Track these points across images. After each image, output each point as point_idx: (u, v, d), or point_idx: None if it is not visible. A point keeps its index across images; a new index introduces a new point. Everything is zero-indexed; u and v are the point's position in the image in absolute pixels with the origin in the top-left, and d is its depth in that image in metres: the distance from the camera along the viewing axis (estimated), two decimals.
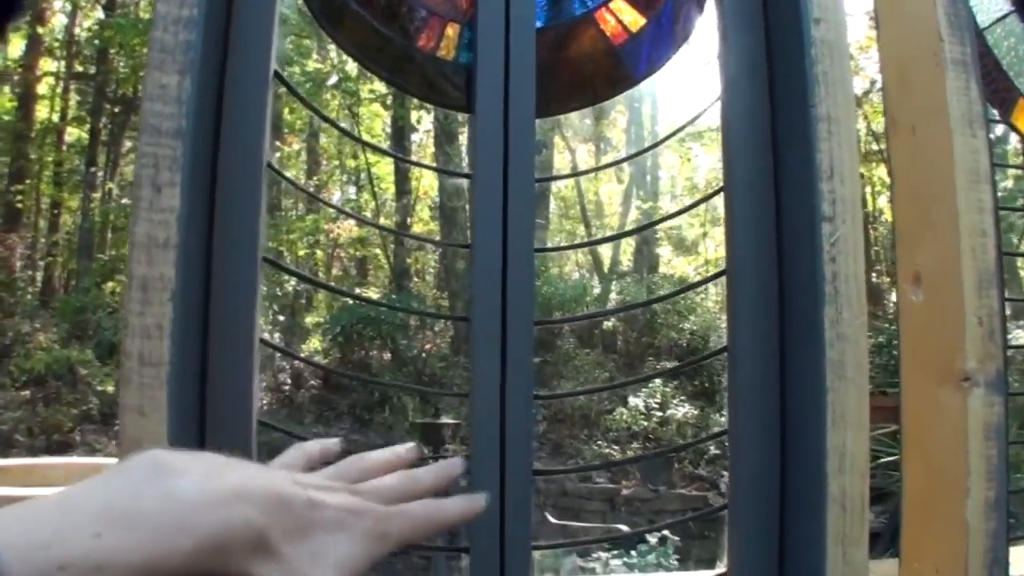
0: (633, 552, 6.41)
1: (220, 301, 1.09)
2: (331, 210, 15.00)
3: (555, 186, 18.72)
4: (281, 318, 14.11)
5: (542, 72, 1.27)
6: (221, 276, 1.10)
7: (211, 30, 1.12)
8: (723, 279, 1.25)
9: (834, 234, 1.13)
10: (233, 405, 1.09)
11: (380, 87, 14.84)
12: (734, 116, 1.27)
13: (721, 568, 1.24)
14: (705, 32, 1.36)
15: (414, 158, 17.16)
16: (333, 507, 0.74)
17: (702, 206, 17.91)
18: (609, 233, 19.31)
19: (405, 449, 0.88)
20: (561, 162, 19.31)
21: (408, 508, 0.79)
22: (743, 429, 1.19)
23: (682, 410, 11.94)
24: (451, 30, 1.27)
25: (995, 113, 1.80)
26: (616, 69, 1.33)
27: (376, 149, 16.73)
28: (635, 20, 1.33)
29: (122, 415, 0.98)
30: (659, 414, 11.89)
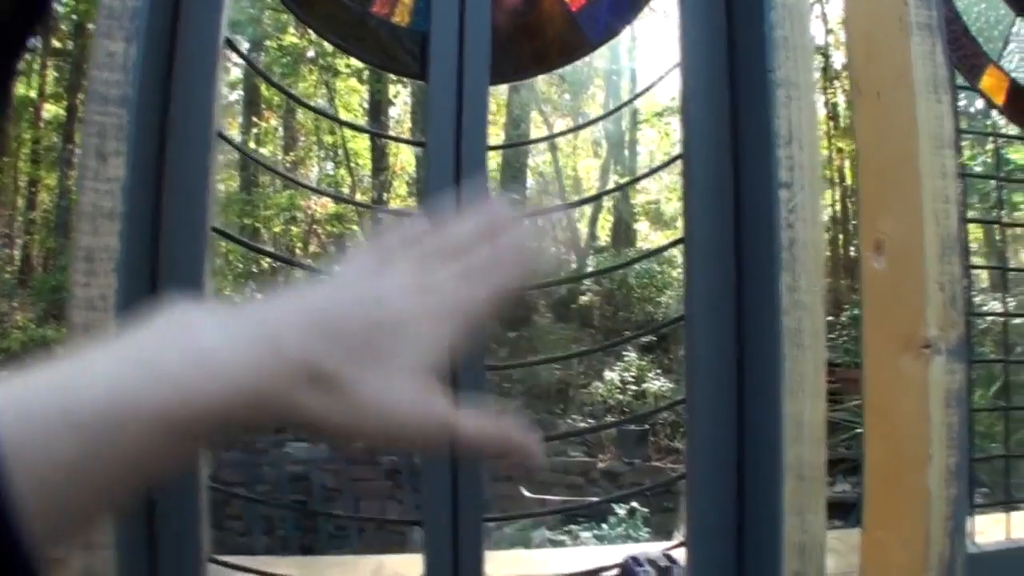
0: (604, 524, 6.44)
1: (168, 273, 1.07)
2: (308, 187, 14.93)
3: (532, 161, 18.66)
4: (259, 296, 14.04)
5: (497, 38, 1.25)
6: (169, 247, 1.08)
7: None
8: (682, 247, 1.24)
9: (792, 200, 1.12)
10: None
11: (357, 62, 14.77)
12: (694, 81, 1.25)
13: (680, 538, 1.23)
14: None
15: (392, 134, 17.09)
16: (407, 313, 0.66)
17: (680, 182, 17.91)
18: (587, 209, 19.28)
19: (484, 219, 0.76)
20: (538, 136, 19.22)
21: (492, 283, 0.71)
22: (700, 398, 1.18)
23: (657, 383, 11.97)
24: None
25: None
26: (573, 35, 1.31)
27: (336, 120, 16.61)
28: None
29: None
30: (634, 387, 11.92)
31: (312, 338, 0.62)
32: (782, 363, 1.09)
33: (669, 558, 0.90)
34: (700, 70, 1.25)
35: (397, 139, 12.99)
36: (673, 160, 1.28)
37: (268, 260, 13.97)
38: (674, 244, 1.28)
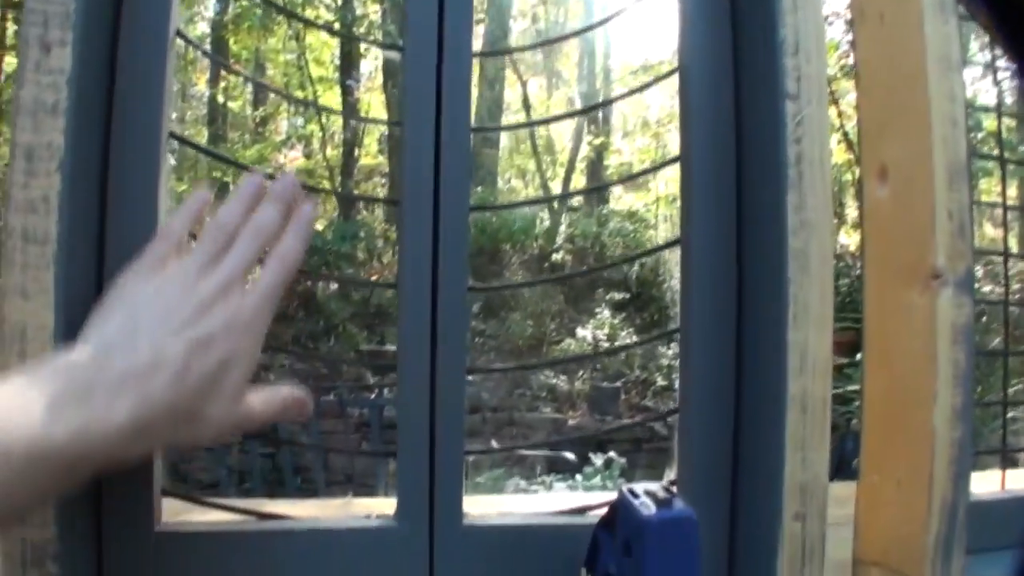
0: (578, 475, 6.38)
1: (118, 176, 0.98)
2: (277, 140, 14.82)
3: (505, 122, 18.61)
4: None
5: None
6: (120, 148, 0.98)
7: None
8: (677, 167, 1.16)
9: (799, 114, 1.04)
10: None
11: (328, 14, 14.63)
12: None
13: (670, 475, 1.16)
14: None
15: (363, 89, 16.96)
16: (216, 341, 0.79)
17: (653, 145, 17.89)
18: (559, 169, 19.26)
19: (245, 188, 0.92)
20: (512, 97, 19.17)
21: (263, 284, 0.86)
22: (696, 325, 1.10)
23: (630, 342, 11.97)
24: None
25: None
26: None
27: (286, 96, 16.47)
28: None
29: (3, 298, 0.87)
30: (607, 344, 11.93)
31: (175, 396, 0.75)
32: (787, 288, 1.01)
33: (668, 490, 0.82)
34: None
35: (374, 121, 12.95)
36: (670, 74, 1.19)
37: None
38: (669, 163, 1.19)
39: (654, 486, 0.84)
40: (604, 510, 0.93)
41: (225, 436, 0.82)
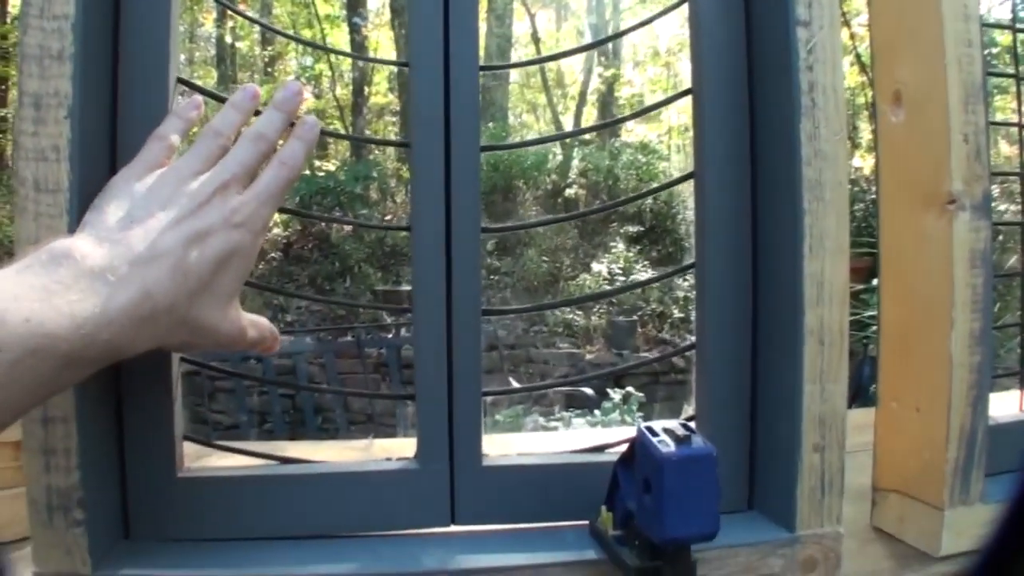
0: (597, 411, 6.37)
1: (128, 122, 0.97)
2: (287, 79, 14.79)
3: (514, 57, 18.46)
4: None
5: None
6: (128, 94, 0.97)
7: None
8: (689, 101, 1.14)
9: (811, 40, 1.02)
10: None
11: None
12: None
13: (689, 409, 1.16)
14: None
15: (370, 27, 16.84)
16: (213, 234, 0.79)
17: (665, 75, 17.71)
18: (571, 102, 19.15)
19: (241, 97, 0.92)
20: (521, 30, 19.00)
21: (263, 185, 0.85)
22: (712, 259, 1.09)
23: (645, 276, 11.95)
24: None
25: None
26: None
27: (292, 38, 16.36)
28: None
29: (17, 248, 0.86)
30: (622, 279, 11.92)
31: (173, 287, 0.75)
32: (802, 217, 1.00)
33: (686, 426, 0.82)
34: None
35: (380, 60, 12.83)
36: (677, 5, 1.17)
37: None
38: (681, 96, 1.18)
39: (672, 423, 0.84)
40: (622, 448, 0.93)
41: (221, 346, 0.83)
